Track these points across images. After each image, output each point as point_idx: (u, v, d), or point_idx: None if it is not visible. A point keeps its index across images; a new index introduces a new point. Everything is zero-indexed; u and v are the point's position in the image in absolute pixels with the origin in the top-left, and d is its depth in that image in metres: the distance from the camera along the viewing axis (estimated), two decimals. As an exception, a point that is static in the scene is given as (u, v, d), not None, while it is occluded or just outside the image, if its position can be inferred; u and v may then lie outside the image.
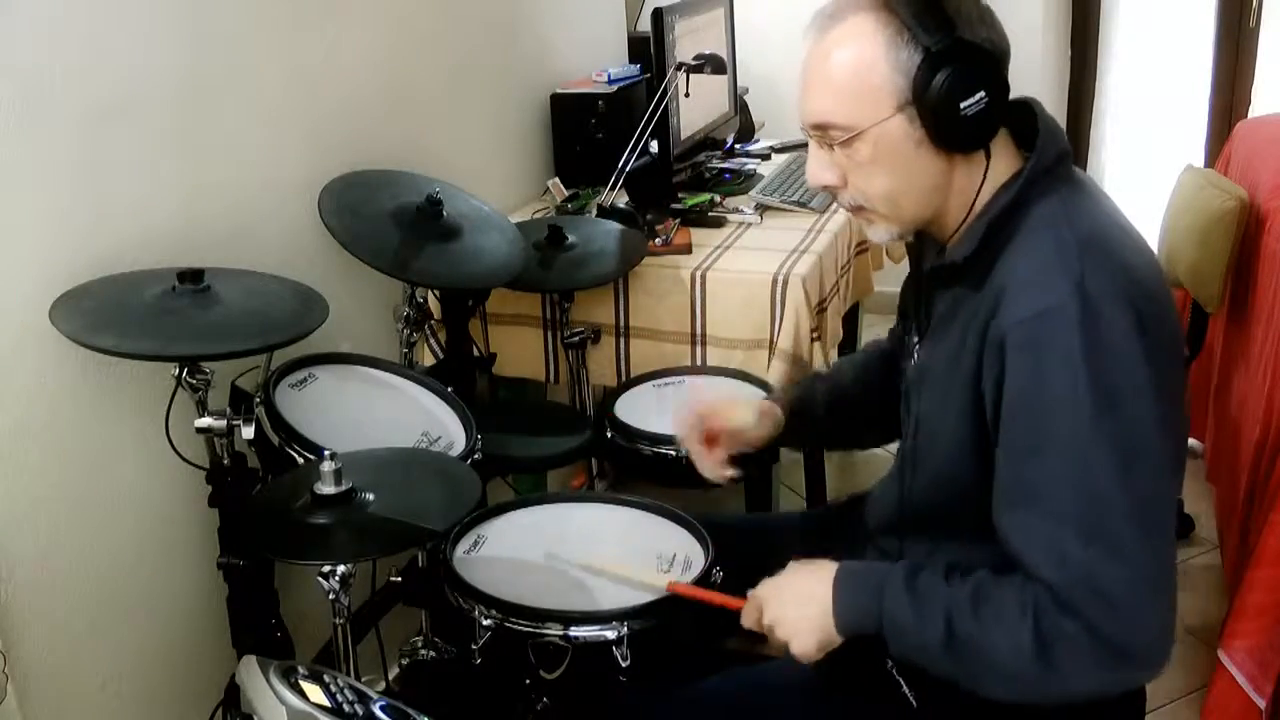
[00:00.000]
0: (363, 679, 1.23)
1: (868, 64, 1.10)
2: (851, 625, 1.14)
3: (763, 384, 1.91)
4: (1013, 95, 1.18)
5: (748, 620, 1.23)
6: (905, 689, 1.24)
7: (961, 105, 1.08)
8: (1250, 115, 3.40)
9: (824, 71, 1.13)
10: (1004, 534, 1.08)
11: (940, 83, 1.08)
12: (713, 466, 1.46)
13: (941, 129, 1.10)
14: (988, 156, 1.14)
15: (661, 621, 1.32)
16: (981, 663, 1.07)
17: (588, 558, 1.42)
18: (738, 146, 2.85)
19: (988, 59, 1.10)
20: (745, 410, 1.48)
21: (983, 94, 1.08)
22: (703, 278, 2.02)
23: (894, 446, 1.39)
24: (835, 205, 2.28)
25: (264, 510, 1.33)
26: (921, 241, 1.31)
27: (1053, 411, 1.04)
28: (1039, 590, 1.04)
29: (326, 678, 1.12)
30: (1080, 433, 1.02)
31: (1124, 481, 1.02)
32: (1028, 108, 1.18)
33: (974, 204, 1.16)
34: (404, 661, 1.78)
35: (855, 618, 1.14)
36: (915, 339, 1.30)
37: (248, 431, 1.41)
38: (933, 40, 1.08)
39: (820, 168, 1.18)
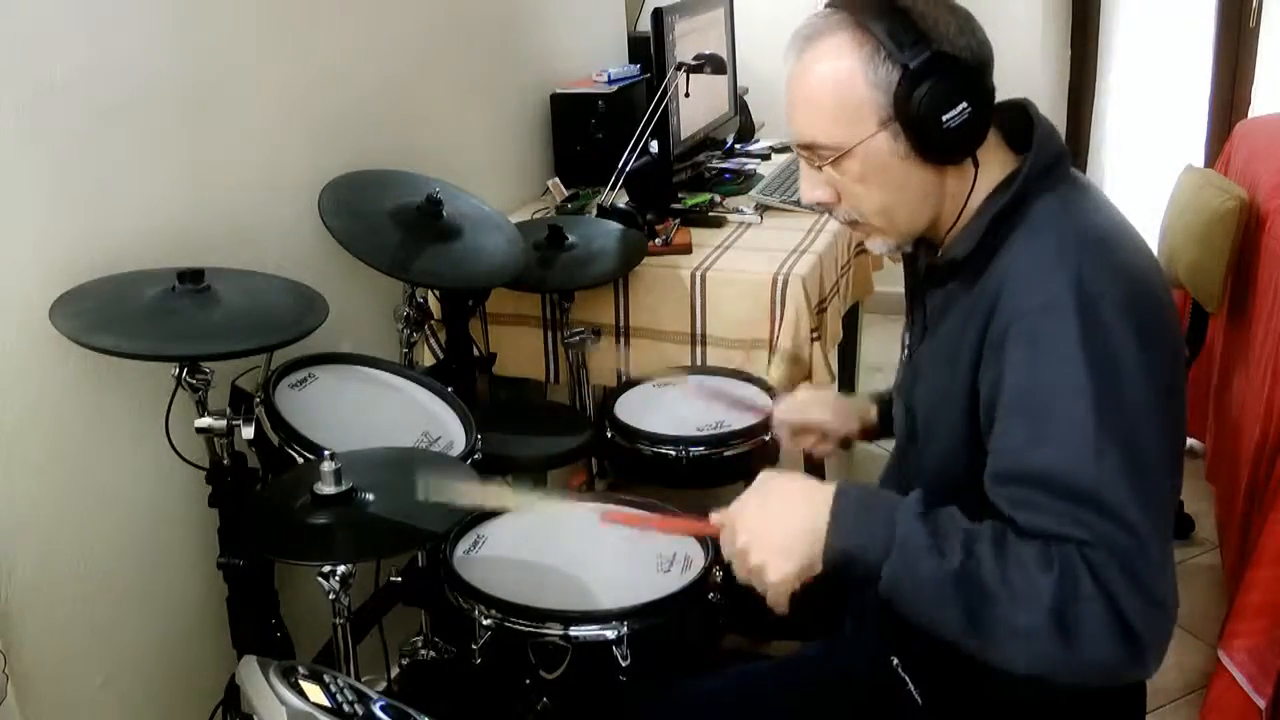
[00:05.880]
0: (363, 679, 1.23)
1: (847, 83, 1.11)
2: (848, 552, 1.05)
3: (763, 384, 1.91)
4: (1010, 95, 1.18)
5: (727, 547, 1.14)
6: (911, 687, 1.24)
7: (944, 118, 1.09)
8: (1250, 115, 3.40)
9: (805, 92, 1.14)
10: (1020, 522, 1.03)
11: (920, 97, 1.08)
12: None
13: (926, 142, 1.11)
14: (975, 163, 1.14)
15: (661, 621, 1.33)
16: (994, 609, 1.00)
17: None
18: (738, 146, 2.85)
19: (968, 69, 1.10)
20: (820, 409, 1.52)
21: (965, 105, 1.09)
22: (703, 278, 2.02)
23: (890, 444, 1.39)
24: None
25: (264, 510, 1.33)
26: (915, 242, 1.31)
27: (1054, 402, 1.03)
28: (1068, 549, 0.99)
29: (326, 678, 1.12)
30: (1083, 421, 1.01)
31: (1128, 467, 1.00)
32: (1021, 109, 1.18)
33: (965, 206, 1.16)
34: (404, 661, 1.78)
35: (855, 542, 1.05)
36: (909, 336, 1.30)
37: (248, 431, 1.41)
38: (908, 56, 1.08)
39: (812, 186, 1.18)
